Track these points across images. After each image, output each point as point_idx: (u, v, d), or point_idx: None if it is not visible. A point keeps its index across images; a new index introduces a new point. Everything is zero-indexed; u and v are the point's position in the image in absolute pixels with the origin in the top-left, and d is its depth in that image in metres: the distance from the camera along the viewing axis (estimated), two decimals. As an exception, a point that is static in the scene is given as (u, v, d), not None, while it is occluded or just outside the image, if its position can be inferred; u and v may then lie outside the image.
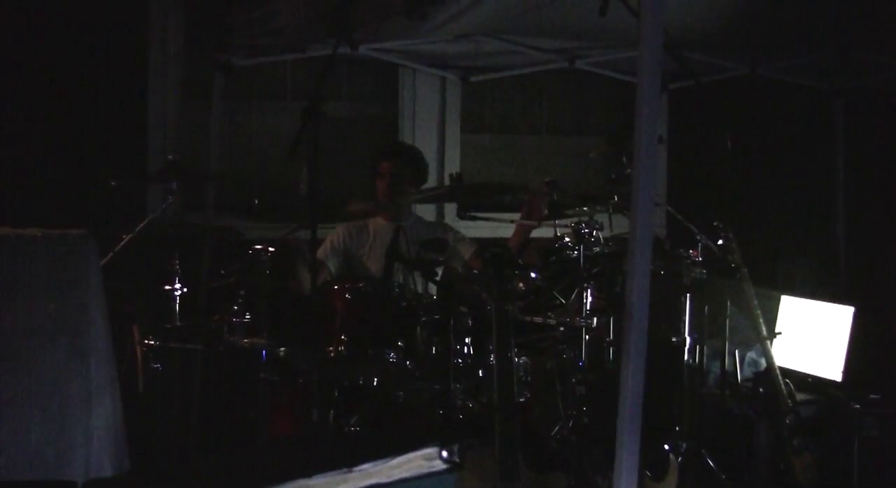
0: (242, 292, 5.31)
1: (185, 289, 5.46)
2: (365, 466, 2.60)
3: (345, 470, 2.57)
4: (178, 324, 5.47)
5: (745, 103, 7.65)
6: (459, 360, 5.19)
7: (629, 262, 3.53)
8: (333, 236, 6.31)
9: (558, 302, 5.39)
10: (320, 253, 6.15)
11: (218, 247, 6.47)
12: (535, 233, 5.93)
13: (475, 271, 5.60)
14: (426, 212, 7.24)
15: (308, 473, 2.52)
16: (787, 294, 6.46)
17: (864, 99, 7.76)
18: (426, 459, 2.73)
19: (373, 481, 2.62)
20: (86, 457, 3.10)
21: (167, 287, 5.44)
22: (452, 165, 7.64)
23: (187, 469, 3.03)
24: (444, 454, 2.75)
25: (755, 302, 5.64)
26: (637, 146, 3.58)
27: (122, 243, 5.45)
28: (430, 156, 7.02)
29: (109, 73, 6.92)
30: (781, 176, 7.96)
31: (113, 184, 5.71)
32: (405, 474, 2.68)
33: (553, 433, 5.23)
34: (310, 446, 3.38)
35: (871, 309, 6.15)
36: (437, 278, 5.46)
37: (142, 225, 5.51)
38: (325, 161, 6.58)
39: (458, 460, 2.75)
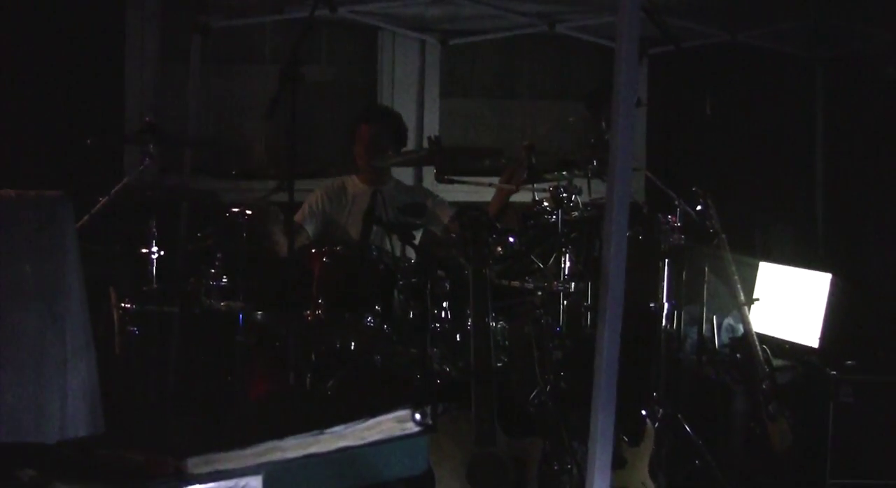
0: (219, 255, 5.29)
1: (161, 252, 5.43)
2: (336, 428, 2.59)
3: (316, 431, 2.56)
4: (155, 287, 5.44)
5: (725, 70, 7.63)
6: (437, 325, 5.20)
7: (606, 227, 3.51)
8: (311, 199, 6.29)
9: (536, 266, 5.39)
10: (298, 216, 6.14)
11: (195, 211, 6.44)
12: (514, 198, 5.92)
13: (453, 235, 5.58)
14: (405, 175, 7.21)
15: (279, 434, 2.51)
16: (765, 260, 6.47)
17: (843, 66, 7.75)
18: (398, 421, 2.71)
19: (344, 443, 2.60)
20: (61, 420, 3.08)
21: (144, 250, 5.41)
22: (431, 129, 7.59)
23: (160, 430, 3.01)
24: (417, 416, 2.73)
25: (733, 268, 5.64)
26: (615, 110, 3.56)
27: (99, 206, 5.42)
28: (409, 120, 6.97)
29: (86, 34, 6.86)
30: (761, 143, 7.95)
31: (89, 142, 5.67)
32: (377, 436, 2.67)
33: (530, 398, 5.23)
34: (281, 408, 3.36)
35: (848, 276, 6.17)
36: (415, 242, 5.45)
37: (118, 187, 5.47)
38: (304, 124, 6.61)
39: (430, 422, 2.74)
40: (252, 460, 2.50)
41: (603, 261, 3.50)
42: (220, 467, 2.47)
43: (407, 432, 2.73)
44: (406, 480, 2.77)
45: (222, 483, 2.45)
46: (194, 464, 2.44)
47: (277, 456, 2.51)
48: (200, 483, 2.43)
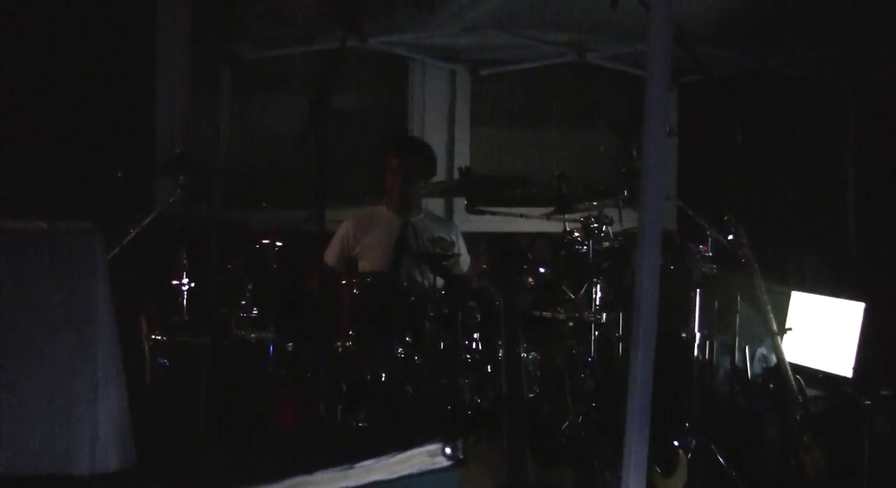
0: (250, 286, 5.30)
1: (192, 283, 5.43)
2: (367, 462, 2.58)
3: (346, 466, 2.55)
4: (186, 318, 5.44)
5: (755, 97, 7.61)
6: (468, 355, 5.19)
7: (638, 256, 3.50)
8: (341, 234, 6.28)
9: (567, 296, 5.38)
10: (330, 258, 6.16)
11: (225, 241, 6.45)
12: (545, 228, 5.89)
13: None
14: (435, 206, 7.21)
15: (309, 469, 2.50)
16: (797, 289, 6.42)
17: (874, 92, 7.71)
18: (429, 455, 2.71)
19: (374, 477, 2.59)
20: (91, 452, 3.08)
21: (174, 281, 5.41)
22: (462, 159, 7.60)
23: (191, 464, 3.01)
24: (448, 450, 2.72)
25: (765, 297, 5.61)
26: (646, 139, 3.55)
27: (130, 236, 5.44)
28: (440, 149, 7.00)
29: (117, 65, 6.87)
30: (792, 171, 7.92)
31: (119, 175, 5.69)
32: (407, 470, 2.66)
33: (562, 428, 5.21)
34: (312, 441, 3.36)
35: (882, 304, 6.12)
36: (445, 272, 5.44)
37: (149, 218, 5.49)
38: (334, 154, 6.62)
39: (461, 456, 2.72)
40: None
41: (635, 291, 3.48)
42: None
43: (438, 466, 2.72)
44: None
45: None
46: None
47: (308, 491, 2.51)
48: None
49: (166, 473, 2.82)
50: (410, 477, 2.67)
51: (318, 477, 2.51)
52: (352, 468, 2.55)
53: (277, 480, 2.47)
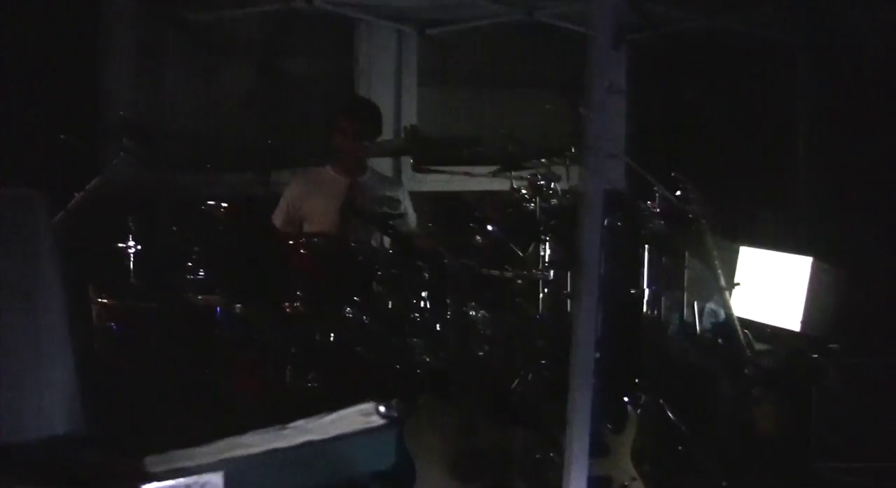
0: (196, 249, 5.26)
1: (139, 247, 5.39)
2: (299, 423, 2.57)
3: (278, 427, 2.54)
4: (133, 281, 5.41)
5: (707, 55, 7.62)
6: (416, 315, 5.18)
7: (580, 213, 3.49)
8: (289, 199, 6.24)
9: (516, 255, 5.37)
10: (278, 221, 6.13)
11: (172, 205, 6.40)
12: (493, 186, 5.88)
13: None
14: (383, 167, 7.18)
15: (240, 430, 2.49)
16: (746, 244, 6.45)
17: (825, 50, 7.73)
18: (363, 415, 2.70)
19: (307, 438, 2.58)
20: (38, 417, 3.06)
21: (121, 244, 5.37)
22: (409, 119, 7.57)
23: (133, 428, 2.99)
24: (382, 409, 2.71)
25: (714, 253, 5.62)
26: (589, 97, 3.53)
27: (74, 202, 5.39)
28: (387, 110, 6.95)
29: (60, 29, 6.79)
30: (743, 128, 7.93)
31: (63, 138, 5.63)
32: (341, 430, 2.65)
33: (513, 386, 5.21)
34: (250, 403, 3.35)
35: (830, 259, 6.15)
36: (393, 232, 5.43)
37: (93, 182, 5.44)
38: (281, 116, 6.58)
39: (396, 415, 2.72)
40: (212, 457, 2.48)
41: (578, 248, 3.48)
42: (179, 465, 2.45)
43: (372, 425, 2.72)
44: (376, 474, 2.75)
45: (181, 481, 2.43)
46: (152, 463, 2.42)
47: (239, 452, 2.49)
48: (159, 481, 2.42)
49: (109, 438, 2.80)
50: (345, 436, 2.66)
51: (250, 438, 2.50)
52: (284, 429, 2.54)
53: (207, 443, 2.46)
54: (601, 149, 3.49)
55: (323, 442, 2.61)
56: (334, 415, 2.62)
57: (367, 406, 2.68)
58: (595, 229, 3.42)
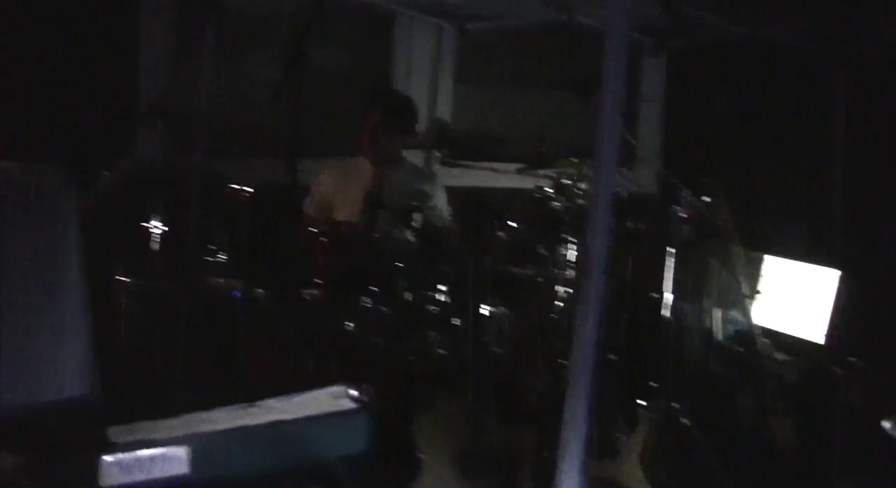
0: (220, 233, 5.28)
1: (165, 229, 5.42)
2: (269, 401, 2.57)
3: (245, 404, 2.53)
4: (159, 263, 5.43)
5: (745, 66, 7.58)
6: (436, 309, 5.17)
7: (590, 219, 3.47)
8: (319, 188, 6.25)
9: (540, 254, 5.36)
10: (309, 208, 6.15)
11: (199, 189, 6.42)
12: (519, 184, 5.87)
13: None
14: (416, 160, 7.17)
15: (207, 406, 2.49)
16: (773, 254, 6.40)
17: (863, 64, 7.68)
18: (333, 397, 2.69)
19: (275, 417, 2.57)
20: (57, 392, 3.08)
21: (146, 225, 5.40)
22: (444, 115, 7.56)
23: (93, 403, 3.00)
24: (354, 393, 2.70)
25: (740, 261, 5.59)
26: (603, 102, 3.52)
27: (103, 181, 5.41)
28: (423, 105, 6.94)
29: (101, 10, 6.82)
30: (779, 139, 7.89)
31: (95, 116, 5.66)
32: (311, 412, 2.64)
33: (530, 387, 5.20)
34: (219, 379, 3.36)
35: (859, 274, 6.10)
36: (416, 225, 5.42)
37: (123, 163, 5.46)
38: (316, 107, 6.58)
39: (367, 400, 2.70)
40: (178, 430, 2.47)
41: (585, 253, 3.46)
42: (144, 437, 2.45)
43: (342, 408, 2.70)
44: (345, 459, 2.73)
45: (145, 452, 2.42)
46: (116, 433, 2.42)
47: (205, 427, 2.48)
48: (122, 452, 2.41)
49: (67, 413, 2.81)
50: (313, 418, 2.65)
51: (217, 414, 2.49)
52: (252, 406, 2.53)
53: (174, 415, 2.45)
54: (612, 152, 3.48)
55: (290, 422, 2.59)
56: (304, 396, 2.61)
57: (338, 389, 2.67)
58: (603, 233, 3.40)
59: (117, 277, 5.31)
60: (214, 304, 5.26)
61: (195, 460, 2.46)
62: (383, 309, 5.11)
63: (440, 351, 5.06)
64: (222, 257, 5.25)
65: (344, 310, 5.11)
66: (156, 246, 5.43)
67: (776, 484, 5.59)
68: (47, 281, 3.19)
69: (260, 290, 5.19)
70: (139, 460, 2.42)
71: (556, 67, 8.13)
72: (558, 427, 4.82)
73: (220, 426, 2.51)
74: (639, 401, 5.12)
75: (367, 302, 5.11)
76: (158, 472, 2.43)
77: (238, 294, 5.12)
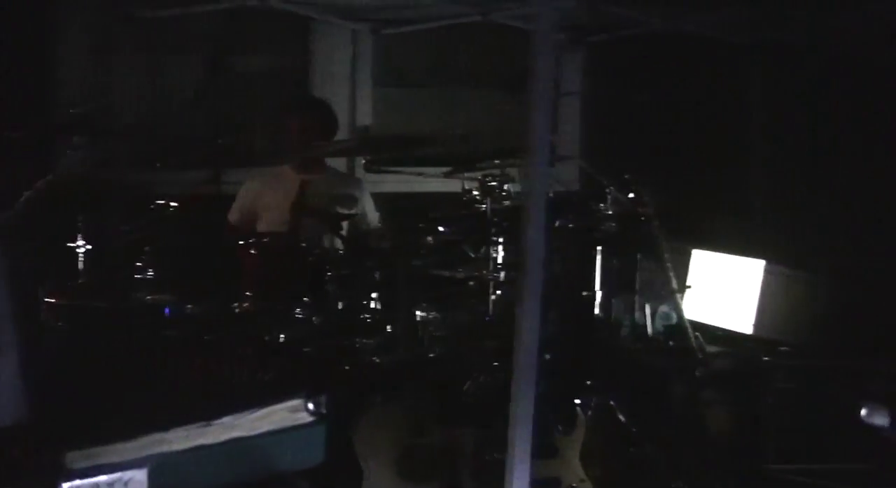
0: (147, 248, 5.23)
1: (89, 247, 5.35)
2: (225, 419, 2.55)
3: (203, 423, 2.51)
4: (83, 281, 5.37)
5: (662, 58, 7.63)
6: (367, 315, 5.16)
7: (524, 215, 3.48)
8: (242, 195, 6.22)
9: (468, 256, 5.36)
10: (233, 217, 6.11)
11: (122, 203, 6.35)
12: (446, 187, 5.87)
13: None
14: (338, 165, 7.14)
15: (164, 426, 2.46)
16: (699, 247, 6.46)
17: (779, 53, 7.76)
18: (291, 411, 2.68)
19: (234, 434, 2.56)
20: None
21: (71, 244, 5.33)
22: (364, 119, 7.55)
23: (49, 426, 2.96)
24: (311, 406, 2.69)
25: (666, 255, 5.62)
26: (533, 98, 3.53)
27: (23, 199, 5.33)
28: (342, 110, 6.92)
29: (12, 24, 6.72)
30: (699, 131, 7.95)
31: (14, 135, 5.58)
32: (268, 426, 2.63)
33: (464, 388, 5.20)
34: (174, 397, 3.32)
35: (782, 262, 6.17)
36: (343, 232, 5.41)
37: (44, 180, 5.39)
38: (234, 114, 6.54)
39: (324, 411, 2.69)
40: (135, 453, 2.45)
41: (521, 251, 3.47)
42: (102, 461, 2.42)
43: (300, 422, 2.69)
44: (303, 472, 2.72)
45: (104, 477, 2.40)
46: (74, 459, 2.39)
47: (163, 448, 2.46)
48: (80, 477, 2.39)
49: (46, 431, 2.77)
50: (272, 433, 2.64)
51: (174, 433, 2.47)
52: (209, 425, 2.51)
53: (130, 439, 2.43)
54: (545, 151, 3.49)
55: (249, 438, 2.58)
56: (261, 412, 2.59)
57: (296, 402, 2.66)
58: (539, 231, 3.41)
59: (44, 298, 5.22)
60: (144, 321, 5.20)
61: (155, 482, 2.43)
62: (315, 318, 5.09)
63: (374, 358, 5.03)
64: (150, 273, 5.19)
65: (275, 321, 5.07)
66: (81, 264, 5.36)
67: (711, 471, 5.64)
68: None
69: (190, 305, 5.15)
70: (98, 485, 2.39)
71: (475, 67, 8.14)
72: (497, 427, 4.86)
73: (178, 446, 2.48)
74: (575, 400, 5.14)
75: (299, 312, 5.09)
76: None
77: (168, 310, 5.07)
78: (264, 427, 2.63)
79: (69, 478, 2.39)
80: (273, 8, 6.88)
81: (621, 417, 5.36)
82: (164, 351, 5.13)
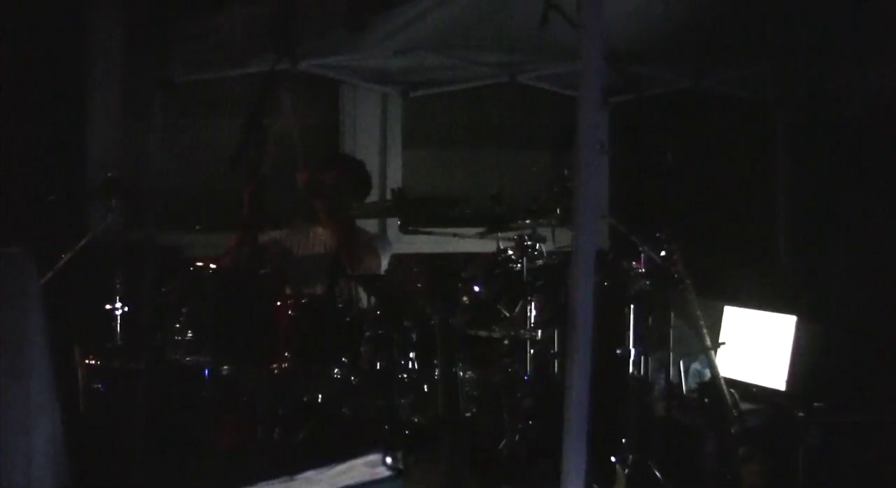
0: (184, 310, 5.27)
1: (126, 308, 5.40)
2: (307, 473, 2.59)
3: (286, 477, 2.56)
4: (120, 343, 5.41)
5: (687, 116, 7.68)
6: (404, 375, 5.19)
7: (572, 273, 3.52)
8: (274, 257, 6.25)
9: (503, 315, 5.40)
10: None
11: (160, 265, 6.40)
12: (480, 247, 5.92)
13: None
14: (370, 227, 7.20)
15: (249, 482, 2.50)
16: (730, 304, 6.47)
17: (801, 109, 7.81)
18: (369, 466, 2.73)
19: (316, 489, 2.60)
20: (26, 478, 3.06)
21: (108, 306, 5.38)
22: (395, 181, 7.62)
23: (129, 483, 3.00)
24: (388, 460, 2.74)
25: (698, 312, 5.63)
26: (579, 158, 3.57)
27: (62, 261, 5.40)
28: (373, 171, 6.97)
29: (48, 89, 6.82)
30: (724, 187, 7.99)
31: (51, 199, 5.65)
32: (348, 481, 2.67)
33: (500, 446, 5.22)
34: (252, 456, 3.36)
35: (813, 317, 6.18)
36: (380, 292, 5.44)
37: (82, 243, 5.46)
38: (268, 176, 6.59)
39: (401, 467, 2.74)
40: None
41: (571, 307, 3.51)
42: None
43: (378, 476, 2.73)
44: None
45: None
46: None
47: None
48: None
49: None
50: (352, 487, 2.68)
51: (260, 488, 2.52)
52: (293, 480, 2.55)
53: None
54: (592, 209, 3.54)
55: (331, 493, 2.62)
56: (342, 466, 2.64)
57: (374, 457, 2.70)
58: (588, 287, 3.46)
59: (84, 360, 5.27)
60: (183, 382, 5.23)
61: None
62: (352, 377, 5.12)
63: (412, 417, 5.06)
64: (188, 334, 5.22)
65: (313, 381, 5.11)
66: (118, 324, 5.41)
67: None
68: (14, 364, 3.18)
69: (227, 366, 5.18)
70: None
71: (502, 127, 8.21)
72: (532, 486, 4.87)
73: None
74: (612, 457, 5.15)
75: (336, 372, 5.12)
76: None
77: (207, 370, 5.11)
78: (343, 481, 2.67)
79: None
80: (305, 72, 6.96)
81: (658, 474, 5.36)
82: (203, 411, 5.19)
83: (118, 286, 5.42)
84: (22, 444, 3.12)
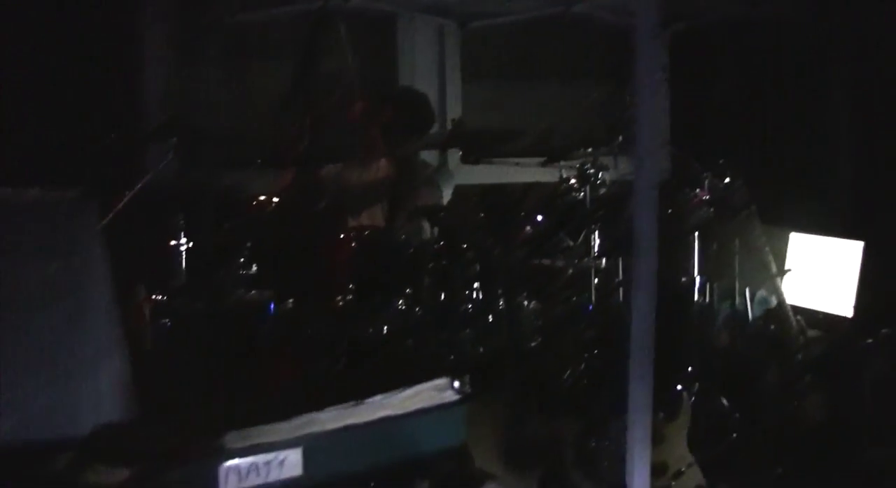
0: (247, 245, 5.28)
1: (189, 244, 5.42)
2: (375, 398, 2.59)
3: (354, 402, 2.55)
4: (185, 280, 5.44)
5: (747, 42, 7.59)
6: (468, 306, 5.18)
7: (635, 201, 3.49)
8: (335, 192, 6.22)
9: (566, 244, 5.37)
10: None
11: (221, 203, 6.42)
12: (541, 177, 5.88)
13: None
14: (431, 159, 7.17)
15: (317, 406, 2.50)
16: (795, 230, 6.41)
17: (862, 32, 7.68)
18: (437, 390, 2.72)
19: (384, 413, 2.59)
20: (96, 417, 3.08)
21: (171, 243, 5.41)
22: (454, 114, 7.55)
23: (198, 411, 3.01)
24: (456, 384, 2.73)
25: (763, 239, 5.58)
26: (639, 84, 3.53)
27: (123, 202, 5.41)
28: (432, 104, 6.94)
29: (104, 32, 6.83)
30: (787, 113, 7.89)
31: (110, 140, 5.66)
32: (417, 405, 2.66)
33: (564, 377, 5.21)
34: (318, 387, 3.37)
35: (881, 243, 6.11)
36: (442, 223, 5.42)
37: (142, 183, 5.46)
38: (324, 115, 6.56)
39: (469, 390, 2.73)
40: (290, 433, 2.49)
41: (634, 236, 3.47)
42: (258, 441, 2.46)
43: (446, 400, 2.72)
44: (445, 452, 2.75)
45: (261, 456, 2.44)
46: (232, 439, 2.43)
47: (316, 428, 2.50)
48: (239, 457, 2.43)
49: (173, 422, 2.83)
50: (420, 411, 2.67)
51: (327, 414, 2.51)
52: (361, 404, 2.55)
53: (285, 419, 2.47)
54: (652, 137, 3.49)
55: (399, 417, 2.62)
56: (410, 391, 2.63)
57: (442, 381, 2.69)
58: (651, 215, 3.42)
59: (150, 297, 5.30)
60: (247, 318, 5.26)
61: (308, 461, 2.47)
62: (417, 309, 5.12)
63: (476, 348, 5.06)
64: (251, 270, 5.24)
65: (377, 314, 5.11)
66: (182, 261, 5.43)
67: (812, 456, 5.59)
68: (75, 308, 3.18)
69: (291, 300, 5.20)
70: (256, 465, 2.44)
71: (560, 58, 8.14)
72: (596, 416, 4.86)
73: (330, 426, 2.52)
74: (677, 386, 5.12)
75: (400, 304, 5.12)
76: (274, 476, 2.45)
77: (272, 305, 5.13)
78: (413, 406, 2.66)
79: (227, 458, 2.43)
80: (358, 6, 6.92)
81: (724, 402, 5.34)
82: (266, 347, 5.22)
83: (181, 223, 5.43)
84: (90, 385, 3.13)
